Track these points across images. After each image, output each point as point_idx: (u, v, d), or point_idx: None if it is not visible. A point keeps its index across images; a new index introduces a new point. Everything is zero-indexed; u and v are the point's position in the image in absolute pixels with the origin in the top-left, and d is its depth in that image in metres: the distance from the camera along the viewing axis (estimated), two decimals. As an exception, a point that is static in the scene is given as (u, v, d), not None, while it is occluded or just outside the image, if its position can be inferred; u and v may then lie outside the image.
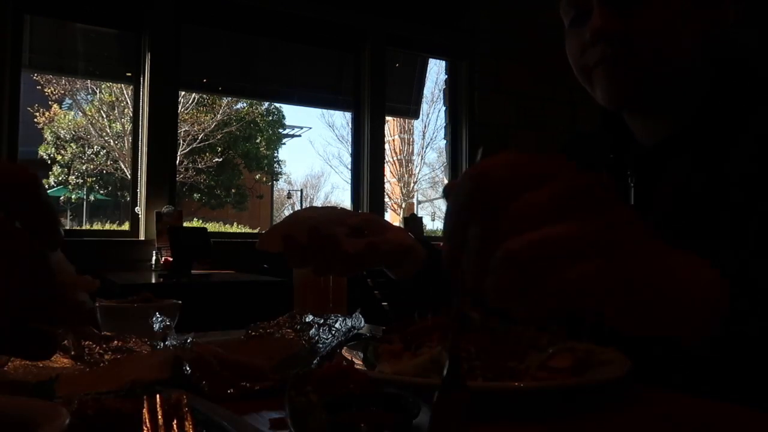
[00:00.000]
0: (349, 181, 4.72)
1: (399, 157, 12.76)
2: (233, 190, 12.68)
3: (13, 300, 0.35)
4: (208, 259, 3.57)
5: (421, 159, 12.81)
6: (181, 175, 10.29)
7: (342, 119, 12.89)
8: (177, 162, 4.62)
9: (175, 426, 0.41)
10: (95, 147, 9.88)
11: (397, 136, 12.70)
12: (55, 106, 9.90)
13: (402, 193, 12.80)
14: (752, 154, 0.77)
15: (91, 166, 9.90)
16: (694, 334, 0.50)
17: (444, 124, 5.02)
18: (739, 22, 0.86)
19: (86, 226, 8.85)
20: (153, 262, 3.64)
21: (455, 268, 0.43)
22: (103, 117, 9.85)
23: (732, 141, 0.80)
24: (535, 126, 4.83)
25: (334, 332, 0.78)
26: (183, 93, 7.72)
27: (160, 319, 0.83)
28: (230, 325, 1.09)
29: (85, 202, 10.12)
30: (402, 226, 4.82)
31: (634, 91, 0.85)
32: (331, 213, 0.88)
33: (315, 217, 0.85)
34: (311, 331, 0.81)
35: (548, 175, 0.41)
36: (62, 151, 9.74)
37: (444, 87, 5.07)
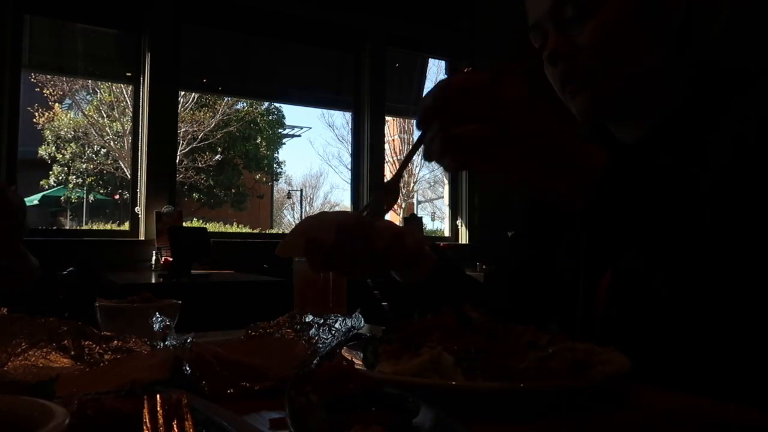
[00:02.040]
0: (349, 181, 4.72)
1: (399, 157, 12.76)
2: (233, 190, 12.68)
3: None
4: (208, 259, 3.57)
5: (421, 159, 12.81)
6: (181, 175, 10.28)
7: (342, 119, 12.90)
8: (177, 162, 4.62)
9: (175, 426, 0.41)
10: (95, 147, 9.89)
11: (397, 136, 12.69)
12: (55, 106, 9.91)
13: (402, 193, 12.80)
14: (734, 134, 0.77)
15: (91, 166, 9.90)
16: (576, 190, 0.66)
17: (444, 124, 5.02)
18: (712, 20, 0.86)
19: (86, 226, 8.85)
20: (153, 262, 3.64)
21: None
22: (103, 117, 9.85)
23: (712, 128, 0.80)
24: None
25: (334, 332, 0.78)
26: (183, 93, 7.72)
27: (160, 319, 0.83)
28: (230, 325, 1.09)
29: (85, 202, 10.12)
30: (402, 226, 4.82)
31: (600, 105, 0.88)
32: (350, 216, 0.88)
33: (338, 217, 0.85)
34: (311, 331, 0.81)
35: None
36: (62, 151, 9.74)
37: (444, 87, 5.06)
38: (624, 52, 0.85)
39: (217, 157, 11.49)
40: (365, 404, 0.48)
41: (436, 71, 7.33)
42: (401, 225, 0.99)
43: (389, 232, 0.86)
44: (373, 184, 4.47)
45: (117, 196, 9.70)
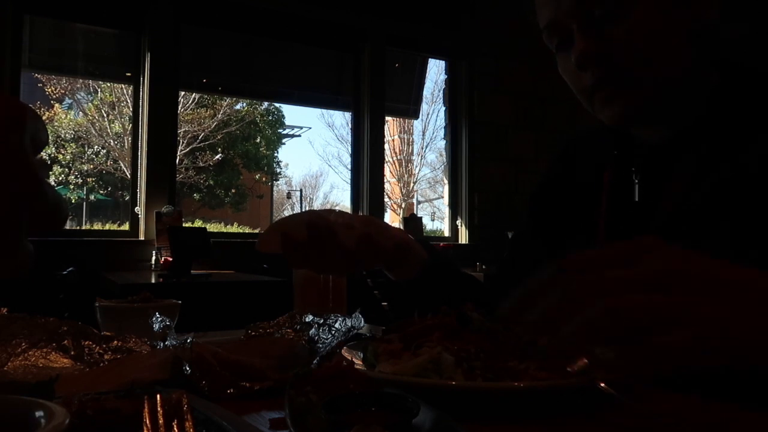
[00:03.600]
0: (349, 181, 4.72)
1: (399, 157, 12.75)
2: (233, 190, 12.68)
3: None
4: (208, 259, 3.57)
5: (421, 159, 12.81)
6: (181, 175, 10.29)
7: (342, 119, 12.90)
8: (177, 162, 4.62)
9: (175, 426, 0.41)
10: (95, 147, 9.89)
11: (396, 136, 12.69)
12: (55, 105, 9.90)
13: (402, 193, 12.79)
14: None
15: (91, 166, 9.90)
16: None
17: (444, 124, 5.03)
18: (728, 18, 0.85)
19: (86, 226, 8.85)
20: (153, 262, 3.64)
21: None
22: (103, 117, 9.85)
23: (747, 137, 0.79)
24: (535, 126, 4.84)
25: (333, 332, 0.78)
26: (183, 93, 7.71)
27: (159, 319, 0.83)
28: (230, 325, 1.09)
29: (84, 202, 10.12)
30: (402, 226, 4.82)
31: (635, 111, 0.84)
32: (329, 213, 0.88)
33: (313, 213, 0.86)
34: (311, 331, 0.81)
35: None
36: (62, 151, 9.74)
37: (444, 87, 5.07)
38: (661, 54, 0.81)
39: (217, 156, 11.49)
40: (365, 404, 0.48)
41: (436, 71, 7.33)
42: (386, 224, 0.96)
43: (357, 232, 0.84)
44: (372, 185, 4.47)
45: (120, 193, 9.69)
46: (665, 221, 0.84)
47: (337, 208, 1.37)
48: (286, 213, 15.71)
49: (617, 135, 0.95)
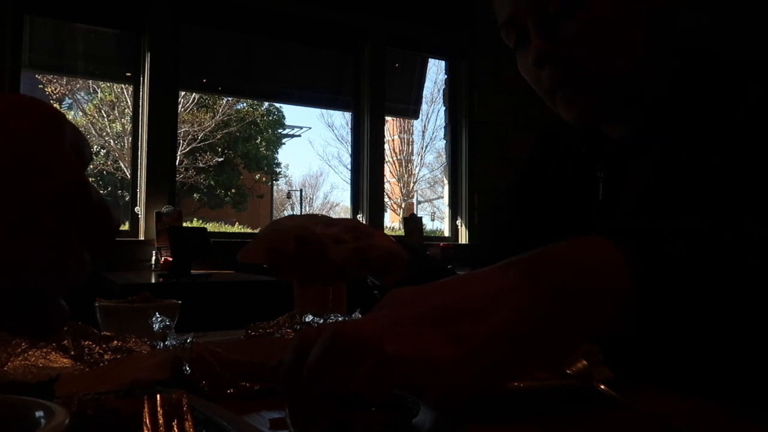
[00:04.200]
0: (349, 181, 4.72)
1: (399, 157, 12.75)
2: (233, 190, 12.69)
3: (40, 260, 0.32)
4: (208, 259, 3.57)
5: (421, 159, 12.80)
6: (181, 175, 10.29)
7: (341, 119, 12.91)
8: (177, 162, 4.62)
9: (175, 426, 0.41)
10: (95, 147, 9.88)
11: (396, 136, 12.69)
12: (55, 105, 9.89)
13: (402, 193, 12.79)
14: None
15: (91, 166, 9.89)
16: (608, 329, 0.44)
17: (443, 124, 5.03)
18: (690, 8, 0.83)
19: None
20: (153, 262, 3.64)
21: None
22: (103, 117, 9.85)
23: (707, 125, 0.77)
24: (535, 126, 4.83)
25: (334, 332, 0.78)
26: (183, 93, 7.71)
27: (159, 319, 0.83)
28: (230, 325, 1.09)
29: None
30: (402, 226, 4.82)
31: (596, 110, 0.83)
32: (313, 220, 0.86)
33: (300, 226, 0.84)
34: (311, 331, 0.81)
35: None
36: (62, 151, 9.73)
37: (444, 87, 5.07)
38: (618, 47, 0.79)
39: (217, 158, 11.49)
40: (365, 404, 0.48)
41: (436, 71, 7.32)
42: (371, 229, 0.92)
43: (348, 247, 0.83)
44: (372, 185, 4.47)
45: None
46: (626, 218, 0.83)
47: (336, 207, 1.36)
48: (287, 213, 15.72)
49: (585, 131, 0.93)
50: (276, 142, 13.61)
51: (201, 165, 11.17)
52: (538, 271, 0.43)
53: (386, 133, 5.26)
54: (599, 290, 0.43)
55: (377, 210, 4.51)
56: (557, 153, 1.00)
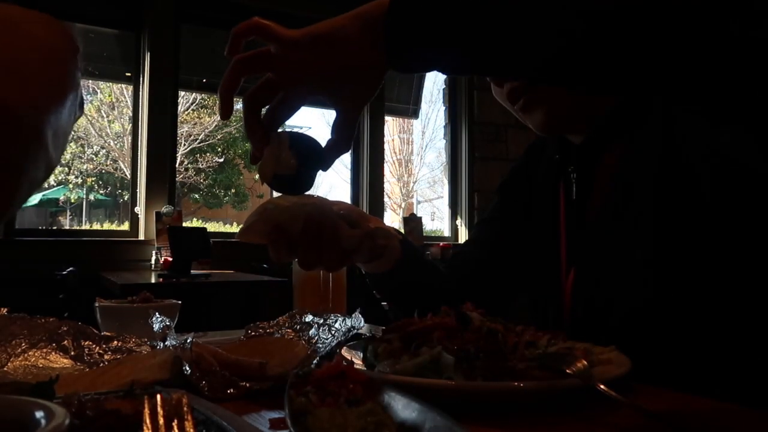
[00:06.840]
0: (349, 181, 4.72)
1: (398, 157, 12.75)
2: (233, 190, 12.68)
3: None
4: (208, 259, 3.57)
5: (421, 159, 12.81)
6: (181, 175, 10.29)
7: (342, 119, 12.85)
8: (177, 162, 4.62)
9: (175, 426, 0.41)
10: (95, 147, 9.88)
11: (396, 136, 12.69)
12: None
13: (401, 193, 12.79)
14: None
15: (91, 166, 9.89)
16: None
17: (443, 124, 5.02)
18: None
19: (86, 226, 8.85)
20: (153, 262, 3.64)
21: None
22: (103, 117, 9.84)
23: (664, 122, 0.81)
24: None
25: (334, 332, 0.78)
26: (183, 93, 7.71)
27: (159, 319, 0.83)
28: (230, 325, 1.09)
29: (85, 202, 10.12)
30: (402, 226, 4.82)
31: (558, 120, 0.90)
32: (319, 201, 0.79)
33: (308, 203, 0.76)
34: (311, 331, 0.81)
35: None
36: (62, 151, 9.73)
37: (444, 87, 5.07)
38: None
39: (218, 158, 11.49)
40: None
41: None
42: (377, 222, 0.90)
43: (360, 232, 0.78)
44: (372, 185, 4.47)
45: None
46: (594, 218, 0.88)
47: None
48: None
49: (558, 138, 0.98)
50: (276, 142, 13.60)
51: (201, 165, 11.17)
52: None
53: (386, 133, 5.26)
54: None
55: (377, 210, 4.51)
56: (540, 158, 1.06)
